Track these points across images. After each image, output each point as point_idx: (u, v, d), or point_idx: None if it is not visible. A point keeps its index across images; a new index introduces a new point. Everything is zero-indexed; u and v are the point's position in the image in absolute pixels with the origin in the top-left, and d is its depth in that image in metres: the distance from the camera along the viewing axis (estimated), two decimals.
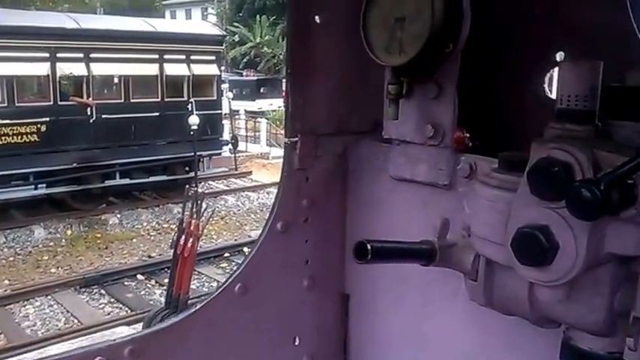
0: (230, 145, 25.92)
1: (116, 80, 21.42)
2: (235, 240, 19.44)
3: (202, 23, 34.59)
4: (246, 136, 32.89)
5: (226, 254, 17.64)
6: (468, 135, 2.72)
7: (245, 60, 52.92)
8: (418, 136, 2.41)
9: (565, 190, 1.26)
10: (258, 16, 52.11)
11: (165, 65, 22.07)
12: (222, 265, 17.05)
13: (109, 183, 21.59)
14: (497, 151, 3.01)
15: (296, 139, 2.57)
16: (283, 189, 2.61)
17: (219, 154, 25.07)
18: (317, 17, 2.53)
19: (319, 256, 2.74)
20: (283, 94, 41.23)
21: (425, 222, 2.47)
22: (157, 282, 15.96)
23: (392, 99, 2.30)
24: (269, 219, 2.58)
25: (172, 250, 11.07)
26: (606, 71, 2.70)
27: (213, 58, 23.56)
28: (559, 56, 2.85)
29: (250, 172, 27.54)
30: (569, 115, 1.52)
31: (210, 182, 25.43)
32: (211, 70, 23.40)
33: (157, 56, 21.88)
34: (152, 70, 21.90)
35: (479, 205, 1.63)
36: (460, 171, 2.28)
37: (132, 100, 21.65)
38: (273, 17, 53.01)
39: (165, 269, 14.48)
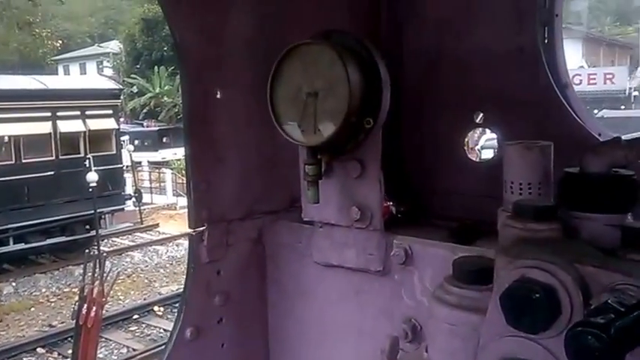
0: (134, 199, 24.91)
1: (6, 140, 20.14)
2: (144, 299, 18.37)
3: (97, 77, 33.63)
4: (151, 187, 31.74)
5: (135, 316, 16.57)
6: (391, 202, 2.51)
7: (145, 110, 52.07)
8: (343, 218, 2.15)
9: (567, 335, 0.98)
10: (156, 67, 51.84)
11: (59, 122, 21.05)
12: (131, 329, 15.97)
13: (1, 249, 20.02)
14: (425, 217, 2.89)
15: (202, 228, 2.24)
16: (190, 288, 2.25)
17: (122, 209, 24.03)
18: (218, 92, 2.24)
19: None
20: None
21: (358, 312, 2.20)
22: (60, 354, 14.66)
23: (310, 181, 2.03)
24: (175, 326, 2.20)
25: (74, 321, 10.21)
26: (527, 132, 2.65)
27: (111, 111, 22.77)
28: (477, 117, 2.73)
29: (157, 225, 26.45)
30: (529, 212, 1.30)
31: (115, 239, 24.15)
32: (109, 124, 22.57)
33: (49, 114, 20.84)
34: (44, 128, 20.81)
35: (435, 327, 1.35)
36: (395, 258, 2.04)
37: (24, 161, 20.44)
38: (172, 68, 52.84)
39: (69, 338, 13.36)
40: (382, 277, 2.11)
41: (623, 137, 1.60)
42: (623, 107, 35.26)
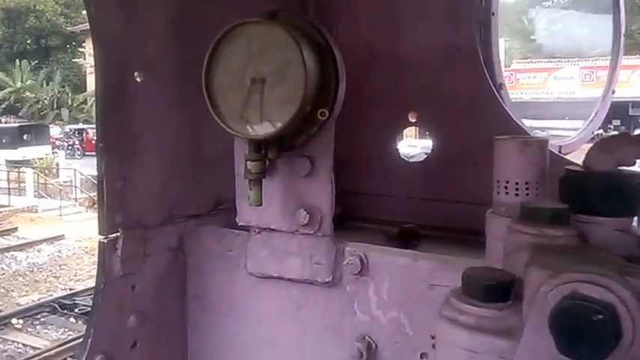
0: None
1: None
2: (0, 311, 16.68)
3: None
4: (9, 188, 29.02)
5: None
6: None
7: (4, 106, 48.13)
8: (287, 222, 1.91)
9: None
10: (18, 61, 48.23)
11: None
12: None
13: None
14: (356, 220, 2.70)
15: (116, 235, 1.89)
16: (101, 307, 1.89)
17: None
18: (138, 75, 1.91)
19: None
20: (51, 140, 37.87)
21: (301, 330, 1.96)
22: None
23: (253, 179, 1.77)
24: (81, 353, 1.83)
25: None
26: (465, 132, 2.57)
27: None
28: (411, 116, 2.60)
29: (16, 229, 24.18)
30: (544, 216, 1.14)
31: None
32: None
33: None
34: None
35: (447, 354, 1.13)
36: (348, 267, 1.83)
37: None
38: (36, 61, 49.52)
39: None
40: (331, 289, 1.89)
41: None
42: None
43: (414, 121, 2.58)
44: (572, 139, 2.87)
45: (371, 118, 2.61)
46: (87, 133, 39.42)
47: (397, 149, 2.64)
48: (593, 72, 28.63)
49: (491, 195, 2.44)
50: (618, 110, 26.09)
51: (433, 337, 1.19)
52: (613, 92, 3.13)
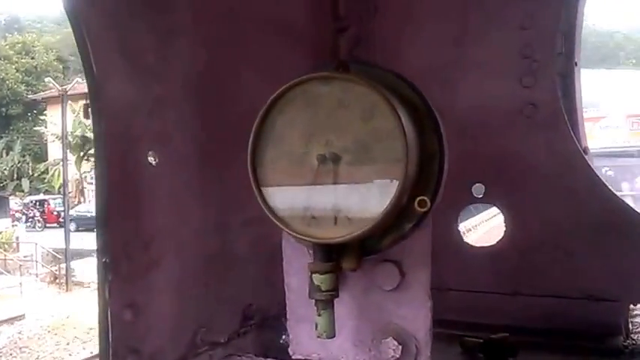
0: None
1: None
2: None
3: None
4: None
5: None
6: None
7: None
8: (366, 355, 1.35)
9: None
10: None
11: None
12: None
13: None
14: None
15: None
16: None
17: None
18: (151, 155, 1.37)
19: None
20: (11, 213, 36.27)
21: None
22: None
23: (324, 300, 1.23)
24: None
25: None
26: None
27: None
28: (476, 191, 2.12)
29: None
30: None
31: None
32: None
33: None
34: None
35: None
36: None
37: None
38: None
39: None
40: None
41: None
42: None
43: (480, 197, 2.09)
44: None
45: None
46: (48, 204, 37.98)
47: (459, 231, 2.14)
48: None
49: (589, 288, 1.97)
50: None
51: None
52: None
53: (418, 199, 1.21)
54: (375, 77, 1.24)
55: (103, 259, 1.26)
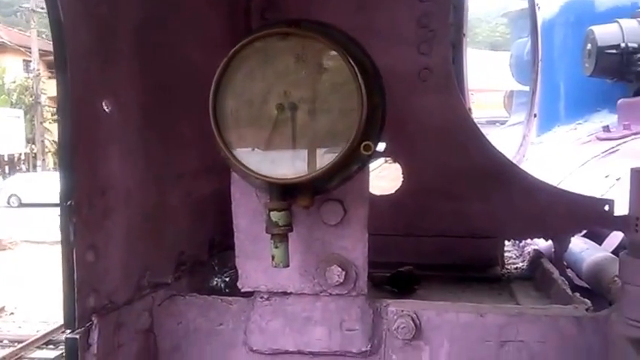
0: None
1: None
2: None
3: None
4: None
5: None
6: None
7: None
8: (309, 283, 1.53)
9: None
10: None
11: None
12: None
13: None
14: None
15: (89, 324, 1.37)
16: None
17: None
18: (106, 104, 1.41)
19: None
20: None
21: None
22: None
23: (280, 234, 1.38)
24: None
25: None
26: None
27: None
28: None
29: None
30: None
31: None
32: None
33: None
34: None
35: None
36: (399, 332, 1.50)
37: None
38: None
39: None
40: None
41: None
42: None
43: (381, 152, 2.33)
44: None
45: None
46: None
47: None
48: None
49: (473, 228, 2.30)
50: None
51: None
52: (535, 116, 3.19)
53: (364, 143, 1.39)
54: (329, 36, 1.39)
55: (68, 202, 1.29)
